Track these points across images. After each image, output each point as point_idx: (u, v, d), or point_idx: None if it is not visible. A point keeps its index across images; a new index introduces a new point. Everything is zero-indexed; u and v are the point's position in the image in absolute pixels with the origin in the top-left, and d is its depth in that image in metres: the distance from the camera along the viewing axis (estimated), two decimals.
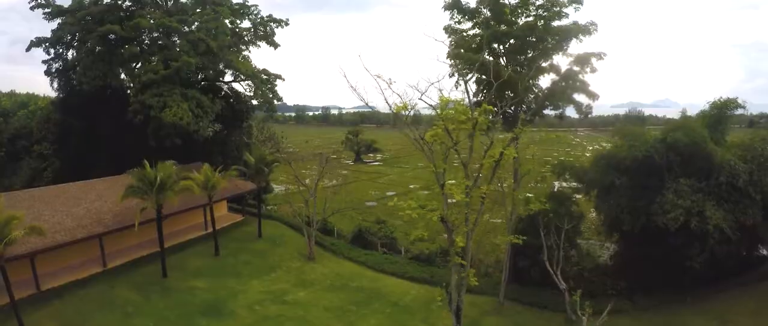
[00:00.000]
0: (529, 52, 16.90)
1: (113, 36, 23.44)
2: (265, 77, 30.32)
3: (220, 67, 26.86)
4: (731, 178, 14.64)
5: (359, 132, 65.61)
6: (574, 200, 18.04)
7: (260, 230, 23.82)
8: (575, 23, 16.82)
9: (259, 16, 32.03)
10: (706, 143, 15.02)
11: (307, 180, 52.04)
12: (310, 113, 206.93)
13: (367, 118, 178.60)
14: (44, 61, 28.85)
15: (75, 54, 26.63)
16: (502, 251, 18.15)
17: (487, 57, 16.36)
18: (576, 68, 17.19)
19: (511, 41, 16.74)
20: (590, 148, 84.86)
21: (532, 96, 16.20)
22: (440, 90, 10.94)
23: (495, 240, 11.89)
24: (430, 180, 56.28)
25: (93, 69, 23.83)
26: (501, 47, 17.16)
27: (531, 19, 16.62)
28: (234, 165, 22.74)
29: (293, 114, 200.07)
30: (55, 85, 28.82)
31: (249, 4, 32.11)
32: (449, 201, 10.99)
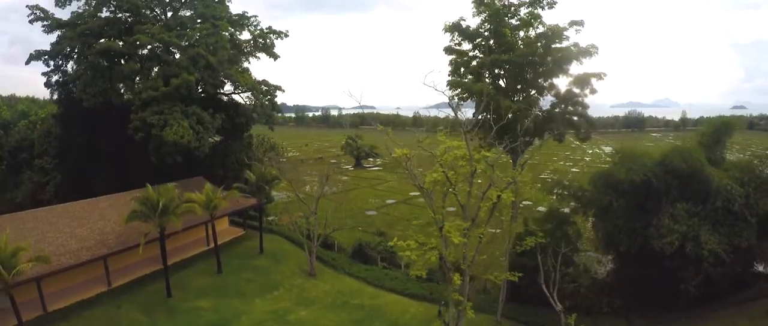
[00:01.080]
0: (528, 73, 17.08)
1: (112, 52, 23.50)
2: (265, 88, 30.48)
3: (220, 80, 26.99)
4: (727, 203, 14.88)
5: (359, 137, 65.61)
6: (572, 220, 18.23)
7: (262, 245, 24.04)
8: (576, 45, 16.98)
9: (258, 27, 32.19)
10: (704, 168, 15.21)
11: (307, 187, 52.24)
12: (310, 114, 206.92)
13: (366, 119, 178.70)
14: (44, 73, 29.01)
15: (75, 66, 26.72)
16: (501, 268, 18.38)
17: (487, 79, 16.52)
18: (576, 90, 17.39)
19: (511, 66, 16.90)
20: (589, 152, 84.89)
21: (530, 119, 16.39)
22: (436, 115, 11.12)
23: (491, 276, 12.03)
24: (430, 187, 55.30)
25: (93, 85, 23.96)
26: (501, 72, 17.33)
27: (532, 36, 16.75)
28: (235, 184, 22.91)
29: (293, 115, 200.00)
30: (55, 97, 28.99)
31: (249, 15, 32.29)
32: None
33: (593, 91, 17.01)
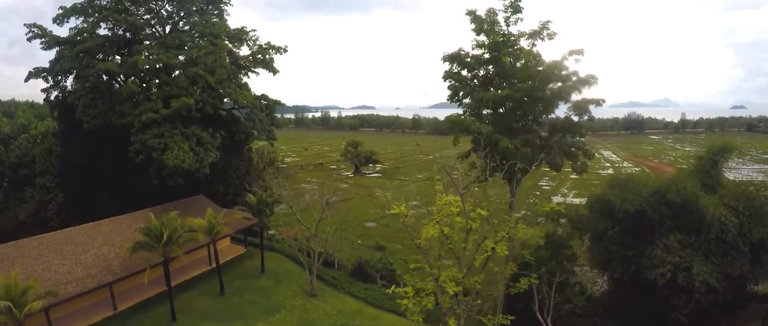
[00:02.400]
0: (528, 106, 17.25)
1: (111, 74, 23.60)
2: (264, 103, 30.68)
3: (220, 98, 27.14)
4: (721, 233, 15.17)
5: (359, 143, 65.84)
6: (569, 245, 18.50)
7: (263, 265, 24.36)
8: (575, 74, 17.16)
9: (257, 42, 32.37)
10: (698, 200, 15.47)
11: (307, 196, 52.27)
12: (310, 115, 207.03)
13: (366, 121, 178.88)
14: (43, 90, 29.19)
15: (74, 84, 26.76)
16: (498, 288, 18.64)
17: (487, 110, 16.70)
18: (574, 117, 17.62)
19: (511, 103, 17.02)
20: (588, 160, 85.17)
21: (529, 149, 16.60)
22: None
23: (484, 319, 12.26)
24: (429, 195, 56.42)
25: (93, 106, 24.15)
26: (501, 109, 17.50)
27: (531, 66, 16.93)
28: (237, 206, 23.18)
29: (292, 116, 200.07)
30: (56, 114, 29.16)
31: (247, 29, 32.46)
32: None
33: (591, 119, 17.27)
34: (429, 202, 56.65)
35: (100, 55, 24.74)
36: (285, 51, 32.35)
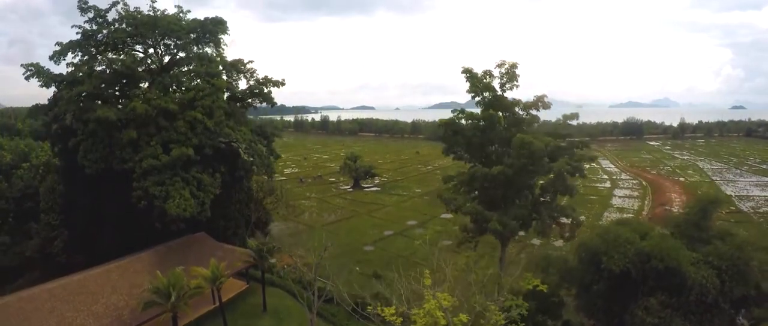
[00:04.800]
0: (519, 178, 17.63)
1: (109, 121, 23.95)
2: (262, 142, 31.21)
3: (218, 139, 27.53)
4: (701, 295, 15.83)
5: (358, 157, 66.34)
6: (555, 299, 19.05)
7: (265, 303, 25.05)
8: (573, 140, 17.59)
9: (254, 75, 32.87)
10: (681, 266, 16.07)
11: (306, 215, 52.64)
12: (309, 118, 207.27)
13: (365, 125, 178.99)
14: (44, 124, 29.65)
15: (73, 123, 26.99)
16: None
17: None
18: (567, 173, 18.09)
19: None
20: (586, 166, 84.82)
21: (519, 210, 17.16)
22: None
23: None
24: (426, 213, 57.18)
25: (94, 151, 24.70)
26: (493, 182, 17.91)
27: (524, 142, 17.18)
28: (239, 249, 23.77)
29: (292, 119, 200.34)
30: (56, 149, 29.68)
31: (245, 61, 32.96)
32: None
33: (582, 176, 17.78)
34: (426, 222, 56.93)
35: (99, 101, 25.13)
36: (282, 84, 32.88)
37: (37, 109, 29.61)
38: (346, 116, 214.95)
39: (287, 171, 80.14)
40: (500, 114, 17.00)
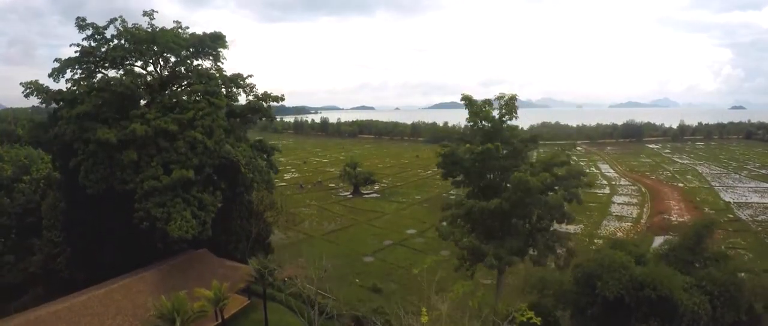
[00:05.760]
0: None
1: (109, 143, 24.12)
2: (263, 158, 31.42)
3: (218, 158, 27.70)
4: (693, 322, 16.09)
5: (357, 164, 66.59)
6: (551, 318, 19.27)
7: (266, 320, 25.32)
8: (572, 170, 17.70)
9: (253, 90, 33.00)
10: (673, 294, 16.31)
11: (307, 223, 52.80)
12: (309, 119, 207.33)
13: (365, 127, 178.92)
14: (44, 141, 29.84)
15: (73, 142, 27.10)
16: None
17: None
18: (565, 200, 18.27)
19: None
20: (586, 172, 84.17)
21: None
22: None
23: None
24: (424, 221, 57.34)
25: (95, 172, 24.89)
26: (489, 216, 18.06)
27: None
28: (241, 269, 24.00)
29: (292, 120, 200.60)
30: (57, 164, 29.87)
31: (244, 75, 33.10)
32: None
33: (579, 203, 18.00)
34: (425, 230, 57.04)
35: (99, 125, 25.25)
36: (282, 99, 33.07)
37: (36, 127, 29.86)
38: (345, 116, 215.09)
39: (287, 176, 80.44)
40: (499, 144, 17.20)
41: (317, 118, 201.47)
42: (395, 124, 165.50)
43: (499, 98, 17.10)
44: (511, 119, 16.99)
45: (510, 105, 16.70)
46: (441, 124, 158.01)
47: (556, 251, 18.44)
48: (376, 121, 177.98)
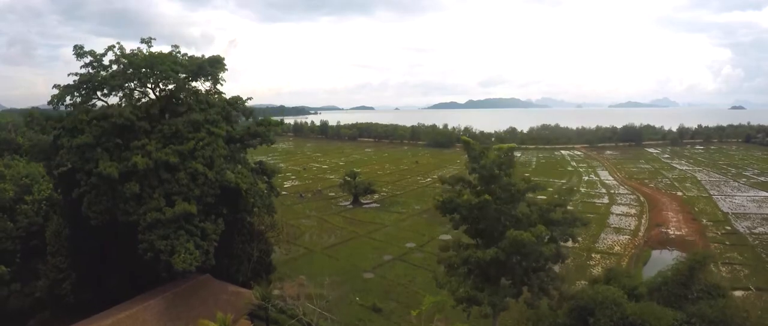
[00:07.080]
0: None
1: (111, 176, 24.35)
2: (263, 180, 31.76)
3: (218, 186, 27.96)
4: None
5: (357, 174, 66.94)
6: None
7: None
8: (568, 215, 17.99)
9: (252, 114, 33.30)
10: None
11: (306, 235, 53.09)
12: (309, 121, 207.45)
13: (364, 130, 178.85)
14: (46, 165, 30.16)
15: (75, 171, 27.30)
16: None
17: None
18: (562, 241, 18.59)
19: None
20: (585, 179, 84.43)
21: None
22: None
23: None
24: (424, 233, 57.85)
25: (97, 203, 25.26)
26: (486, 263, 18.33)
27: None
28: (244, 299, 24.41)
29: (292, 122, 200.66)
30: (59, 191, 30.21)
31: (244, 97, 33.36)
32: None
33: (576, 242, 18.28)
34: (424, 244, 57.45)
35: (99, 150, 25.46)
36: (280, 124, 33.34)
37: (37, 152, 30.09)
38: (345, 116, 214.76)
39: (287, 184, 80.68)
40: (494, 199, 17.46)
41: (317, 119, 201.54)
42: (395, 128, 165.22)
43: (498, 150, 17.43)
44: (508, 171, 17.35)
45: (508, 156, 17.03)
46: (441, 126, 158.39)
47: (550, 293, 18.82)
48: (376, 124, 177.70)
